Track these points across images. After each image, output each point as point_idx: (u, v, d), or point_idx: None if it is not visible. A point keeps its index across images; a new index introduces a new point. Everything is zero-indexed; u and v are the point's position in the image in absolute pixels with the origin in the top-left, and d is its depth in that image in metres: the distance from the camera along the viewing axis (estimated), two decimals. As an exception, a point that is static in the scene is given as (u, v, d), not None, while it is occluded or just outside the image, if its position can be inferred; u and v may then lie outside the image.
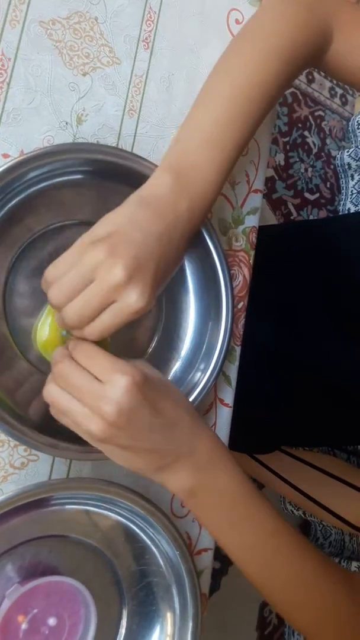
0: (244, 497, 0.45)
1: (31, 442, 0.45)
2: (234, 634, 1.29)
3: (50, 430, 0.46)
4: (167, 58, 0.58)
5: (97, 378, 0.40)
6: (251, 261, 0.62)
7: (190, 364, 0.56)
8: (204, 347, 0.56)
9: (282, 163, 1.57)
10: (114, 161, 0.49)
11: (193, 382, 0.55)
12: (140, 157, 0.50)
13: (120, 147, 0.54)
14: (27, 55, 0.50)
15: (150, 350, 0.56)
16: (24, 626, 0.45)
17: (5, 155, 0.49)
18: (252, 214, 0.62)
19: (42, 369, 0.49)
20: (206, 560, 0.56)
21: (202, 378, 0.55)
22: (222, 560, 1.26)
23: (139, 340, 0.56)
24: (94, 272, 0.41)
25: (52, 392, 0.42)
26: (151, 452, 0.42)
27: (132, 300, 0.41)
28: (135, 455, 0.42)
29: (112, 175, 0.50)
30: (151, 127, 0.56)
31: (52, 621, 0.46)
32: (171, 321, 0.56)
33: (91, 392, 0.40)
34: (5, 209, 0.47)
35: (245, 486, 0.45)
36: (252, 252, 0.62)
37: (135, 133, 0.56)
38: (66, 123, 0.52)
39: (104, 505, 0.49)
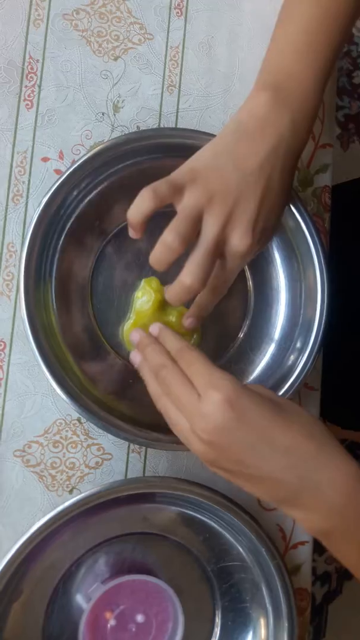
0: None
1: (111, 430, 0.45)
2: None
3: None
4: (204, 20, 0.53)
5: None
6: (327, 225, 0.56)
7: (285, 345, 0.52)
8: (299, 326, 0.51)
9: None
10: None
11: (289, 365, 0.51)
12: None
13: (162, 126, 0.52)
14: (55, 53, 0.50)
15: (241, 335, 0.53)
16: (111, 622, 0.45)
17: (45, 159, 0.49)
18: (322, 172, 0.56)
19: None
20: (304, 554, 0.52)
21: (300, 359, 0.50)
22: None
23: (230, 325, 0.52)
24: (198, 216, 0.41)
25: (162, 404, 0.40)
26: (263, 481, 0.36)
27: (235, 244, 0.41)
28: (249, 483, 0.37)
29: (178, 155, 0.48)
30: (194, 99, 0.53)
31: (139, 618, 0.46)
32: (261, 301, 0.53)
33: (188, 406, 0.37)
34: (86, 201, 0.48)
35: None
36: (327, 215, 0.56)
37: (178, 109, 0.52)
38: (102, 114, 0.50)
39: (182, 502, 0.48)
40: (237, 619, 0.49)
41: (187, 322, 0.46)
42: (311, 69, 0.43)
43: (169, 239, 0.40)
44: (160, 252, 0.40)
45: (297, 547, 0.52)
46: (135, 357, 0.43)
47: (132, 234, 0.42)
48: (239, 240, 0.41)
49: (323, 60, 0.44)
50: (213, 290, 0.44)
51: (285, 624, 0.47)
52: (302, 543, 0.52)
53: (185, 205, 0.40)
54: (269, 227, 0.43)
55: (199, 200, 0.40)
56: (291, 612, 0.47)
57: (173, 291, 0.42)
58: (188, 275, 0.41)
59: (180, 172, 0.41)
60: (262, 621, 0.48)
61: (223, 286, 0.44)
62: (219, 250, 0.41)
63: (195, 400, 0.36)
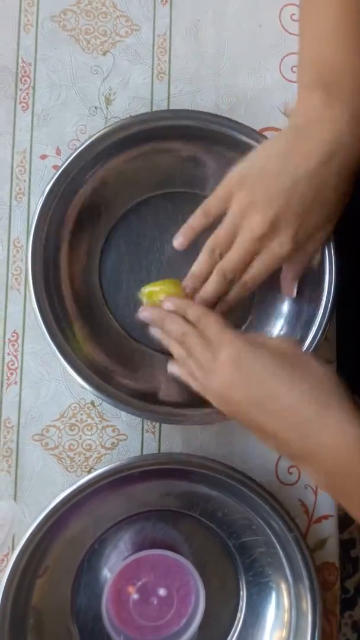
0: None
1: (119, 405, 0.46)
2: None
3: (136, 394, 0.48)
4: (189, 5, 0.54)
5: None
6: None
7: (293, 320, 0.52)
8: (305, 311, 0.51)
9: None
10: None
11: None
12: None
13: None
14: (46, 54, 0.52)
15: (250, 316, 0.53)
16: (134, 596, 0.47)
17: (44, 156, 0.51)
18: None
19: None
20: (329, 528, 0.51)
21: (309, 332, 0.50)
22: None
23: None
24: (240, 222, 0.42)
25: (188, 366, 0.42)
26: (271, 436, 0.38)
27: (275, 249, 0.42)
28: (261, 435, 0.39)
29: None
30: (185, 84, 0.53)
31: (161, 592, 0.47)
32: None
33: (206, 365, 0.40)
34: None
35: None
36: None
37: (169, 95, 0.53)
38: (95, 108, 0.52)
39: (198, 478, 0.49)
40: (261, 592, 0.49)
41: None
42: (355, 54, 0.41)
43: (208, 245, 0.44)
44: (197, 264, 0.44)
45: (321, 521, 0.52)
46: (156, 332, 0.45)
47: (177, 243, 0.46)
48: (280, 244, 0.42)
49: None
50: (242, 286, 0.45)
51: (308, 596, 0.47)
52: (326, 517, 0.52)
53: (229, 213, 0.42)
54: (316, 235, 0.43)
55: (241, 207, 0.42)
56: (312, 585, 0.46)
57: (197, 294, 0.45)
58: (206, 288, 0.44)
59: (230, 178, 0.43)
60: (284, 594, 0.48)
61: (256, 276, 0.44)
62: (257, 248, 0.43)
63: (211, 359, 0.39)
